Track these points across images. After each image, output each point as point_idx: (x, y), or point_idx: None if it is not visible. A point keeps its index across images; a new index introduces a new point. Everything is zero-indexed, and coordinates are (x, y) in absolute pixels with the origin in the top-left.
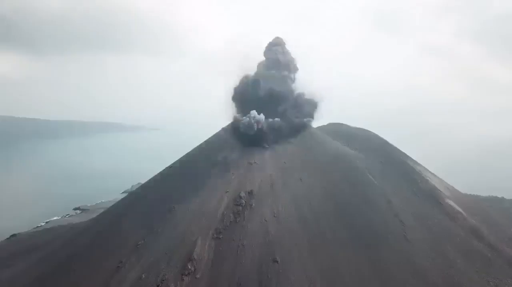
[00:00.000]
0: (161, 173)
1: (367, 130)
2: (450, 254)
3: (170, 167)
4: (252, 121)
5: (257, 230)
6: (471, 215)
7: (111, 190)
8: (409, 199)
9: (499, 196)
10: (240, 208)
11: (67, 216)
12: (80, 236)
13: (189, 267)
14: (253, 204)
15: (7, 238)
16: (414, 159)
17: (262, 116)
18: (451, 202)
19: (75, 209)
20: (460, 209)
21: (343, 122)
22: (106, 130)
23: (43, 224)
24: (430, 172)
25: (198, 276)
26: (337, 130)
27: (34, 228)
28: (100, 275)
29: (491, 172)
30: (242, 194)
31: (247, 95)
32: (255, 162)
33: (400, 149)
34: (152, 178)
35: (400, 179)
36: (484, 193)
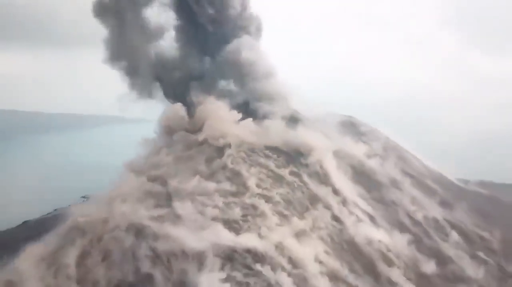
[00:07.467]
0: None
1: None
2: None
3: None
4: None
5: None
6: None
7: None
8: None
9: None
10: None
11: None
12: None
13: None
14: None
15: (19, 225)
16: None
17: None
18: None
19: (82, 197)
20: None
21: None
22: (111, 122)
23: (52, 211)
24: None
25: None
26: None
27: (44, 215)
28: None
29: (483, 162)
30: None
31: None
32: None
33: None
34: None
35: None
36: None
